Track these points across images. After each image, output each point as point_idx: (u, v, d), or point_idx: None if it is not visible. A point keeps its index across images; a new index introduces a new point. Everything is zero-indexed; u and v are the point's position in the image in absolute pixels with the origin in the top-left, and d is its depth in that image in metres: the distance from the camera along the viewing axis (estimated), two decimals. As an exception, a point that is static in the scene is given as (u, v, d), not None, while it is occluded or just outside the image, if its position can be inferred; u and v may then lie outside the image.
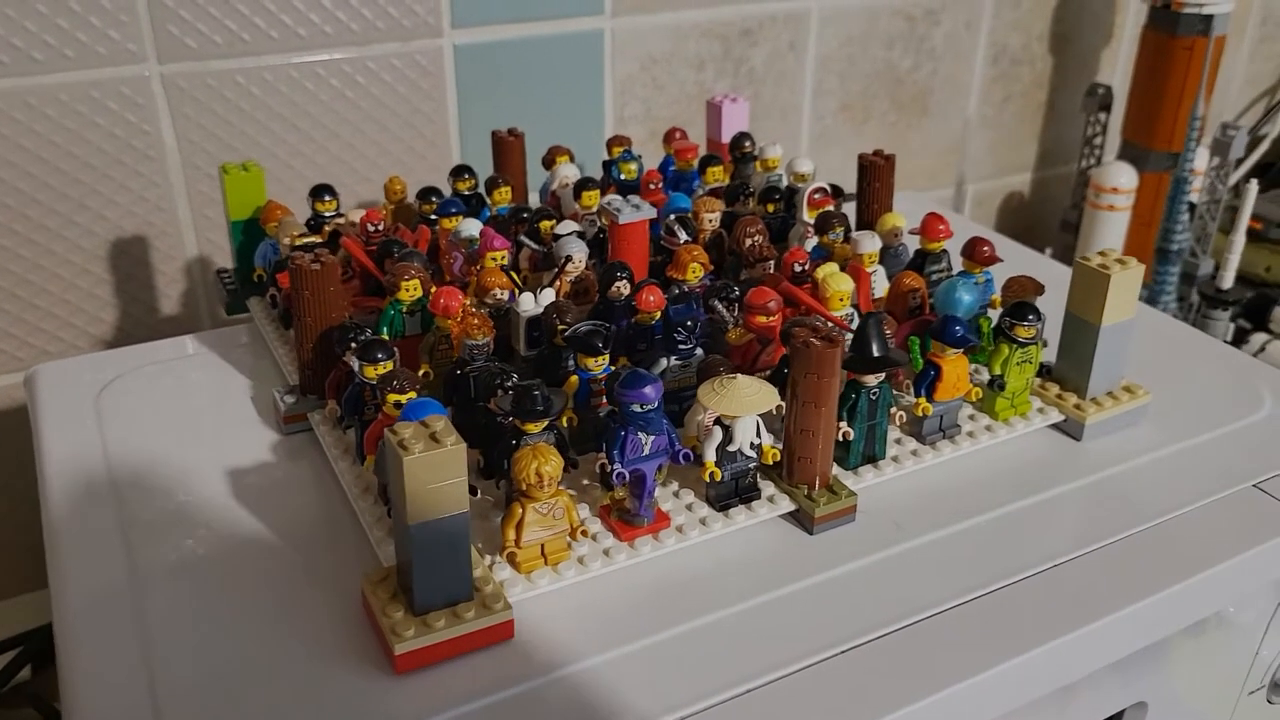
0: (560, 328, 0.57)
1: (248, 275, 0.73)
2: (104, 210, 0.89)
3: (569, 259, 0.64)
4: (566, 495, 0.49)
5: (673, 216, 0.68)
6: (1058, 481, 0.58)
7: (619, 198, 0.66)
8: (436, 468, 0.43)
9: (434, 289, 0.60)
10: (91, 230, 0.89)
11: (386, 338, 0.60)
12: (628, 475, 0.50)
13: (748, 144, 0.84)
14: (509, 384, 0.52)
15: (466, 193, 0.78)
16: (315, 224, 0.73)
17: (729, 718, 0.44)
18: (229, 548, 0.52)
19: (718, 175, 0.79)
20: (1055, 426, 0.62)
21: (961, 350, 0.57)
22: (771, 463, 0.53)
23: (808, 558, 0.52)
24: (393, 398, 0.50)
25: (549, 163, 0.81)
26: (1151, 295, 1.11)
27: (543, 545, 0.49)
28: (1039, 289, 0.63)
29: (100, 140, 0.88)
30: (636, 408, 0.49)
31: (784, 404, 0.53)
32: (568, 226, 0.68)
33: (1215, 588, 0.53)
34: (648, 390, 0.49)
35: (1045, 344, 0.63)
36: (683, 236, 0.67)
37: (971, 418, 0.61)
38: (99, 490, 0.56)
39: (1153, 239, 1.13)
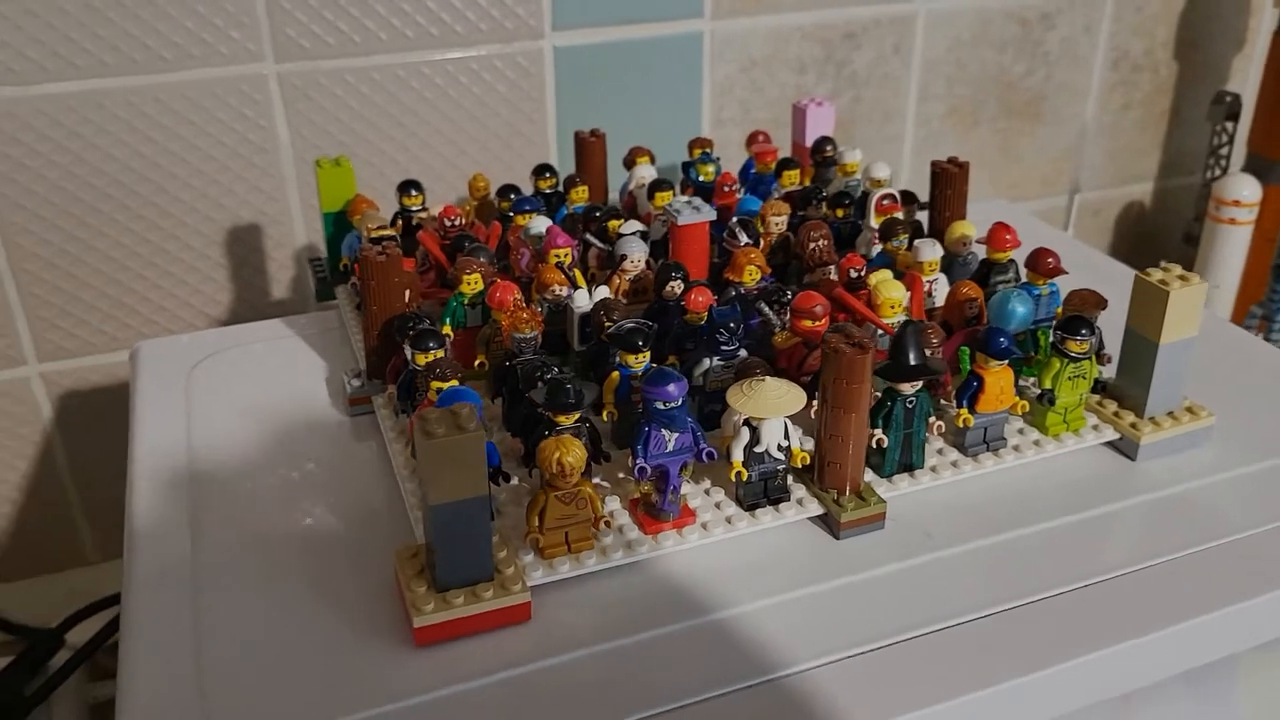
0: (606, 325, 0.58)
1: (336, 264, 0.77)
2: (222, 199, 0.95)
3: (625, 257, 0.66)
4: (590, 486, 0.51)
5: (735, 219, 0.69)
6: (1106, 500, 0.57)
7: (681, 199, 0.68)
8: (456, 452, 0.45)
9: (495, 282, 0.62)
10: (210, 217, 0.96)
11: (449, 328, 0.64)
12: (650, 470, 0.51)
13: (829, 148, 0.84)
14: (547, 376, 0.54)
15: (548, 191, 0.80)
16: (401, 218, 0.77)
17: (736, 709, 0.45)
18: (286, 522, 0.56)
19: (793, 179, 0.80)
20: (1111, 445, 0.61)
21: (1005, 362, 0.56)
22: (800, 466, 0.54)
23: (832, 561, 0.53)
24: (435, 385, 0.53)
25: (629, 163, 0.83)
26: (1269, 314, 1.06)
27: (567, 533, 0.51)
28: (1100, 303, 0.61)
29: (220, 134, 0.94)
30: (660, 405, 0.50)
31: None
32: (632, 226, 0.70)
33: (1262, 619, 0.51)
34: (670, 388, 0.50)
35: (1109, 359, 0.62)
36: (743, 239, 0.68)
37: (1021, 432, 0.60)
38: (176, 461, 0.60)
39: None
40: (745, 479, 0.53)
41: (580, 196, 0.78)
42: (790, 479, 0.55)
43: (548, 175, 0.80)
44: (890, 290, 0.61)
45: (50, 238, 0.91)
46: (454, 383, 0.53)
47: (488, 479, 0.47)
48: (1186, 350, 0.59)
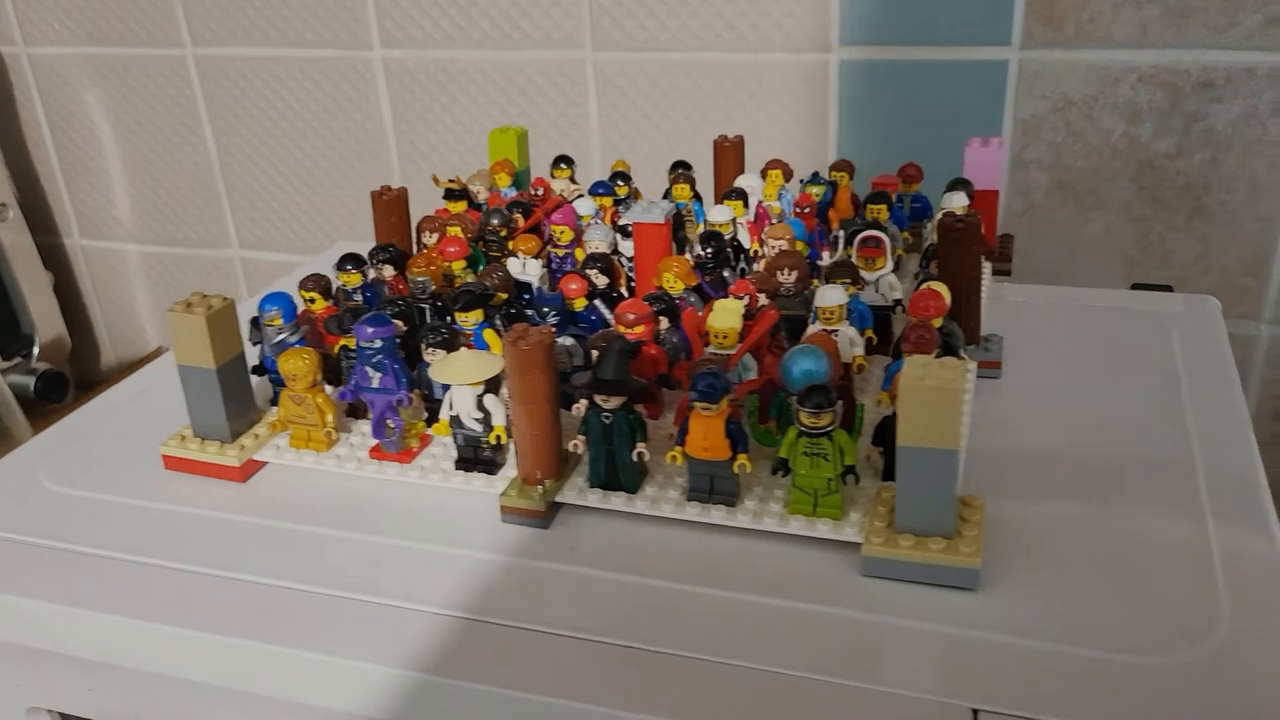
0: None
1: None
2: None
3: (585, 243, 0.71)
4: (321, 395, 0.60)
5: (703, 231, 0.69)
6: (756, 589, 0.50)
7: (649, 200, 0.70)
8: (188, 329, 0.59)
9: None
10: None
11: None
12: (349, 397, 0.59)
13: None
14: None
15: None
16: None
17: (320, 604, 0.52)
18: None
19: (876, 213, 0.74)
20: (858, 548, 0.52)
21: (715, 407, 0.52)
22: (494, 442, 0.57)
23: (470, 534, 0.55)
24: (301, 293, 0.66)
25: (764, 173, 0.84)
26: None
27: (310, 432, 0.61)
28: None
29: (546, 106, 1.13)
30: (361, 342, 0.58)
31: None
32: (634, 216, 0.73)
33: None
34: (367, 329, 0.57)
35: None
36: (697, 249, 0.68)
37: (762, 499, 0.54)
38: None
39: None
40: (444, 434, 0.58)
41: (683, 194, 0.82)
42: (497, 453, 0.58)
43: (676, 170, 0.85)
44: (716, 320, 0.58)
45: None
46: (316, 295, 0.65)
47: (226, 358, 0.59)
48: (944, 465, 0.48)
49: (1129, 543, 0.52)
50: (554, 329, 0.62)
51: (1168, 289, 0.76)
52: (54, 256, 1.44)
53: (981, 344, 0.66)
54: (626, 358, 0.54)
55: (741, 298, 0.62)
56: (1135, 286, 0.77)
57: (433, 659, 0.48)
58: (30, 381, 1.32)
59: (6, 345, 1.33)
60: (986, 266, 0.78)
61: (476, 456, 0.58)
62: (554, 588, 0.52)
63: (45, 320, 1.36)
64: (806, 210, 0.76)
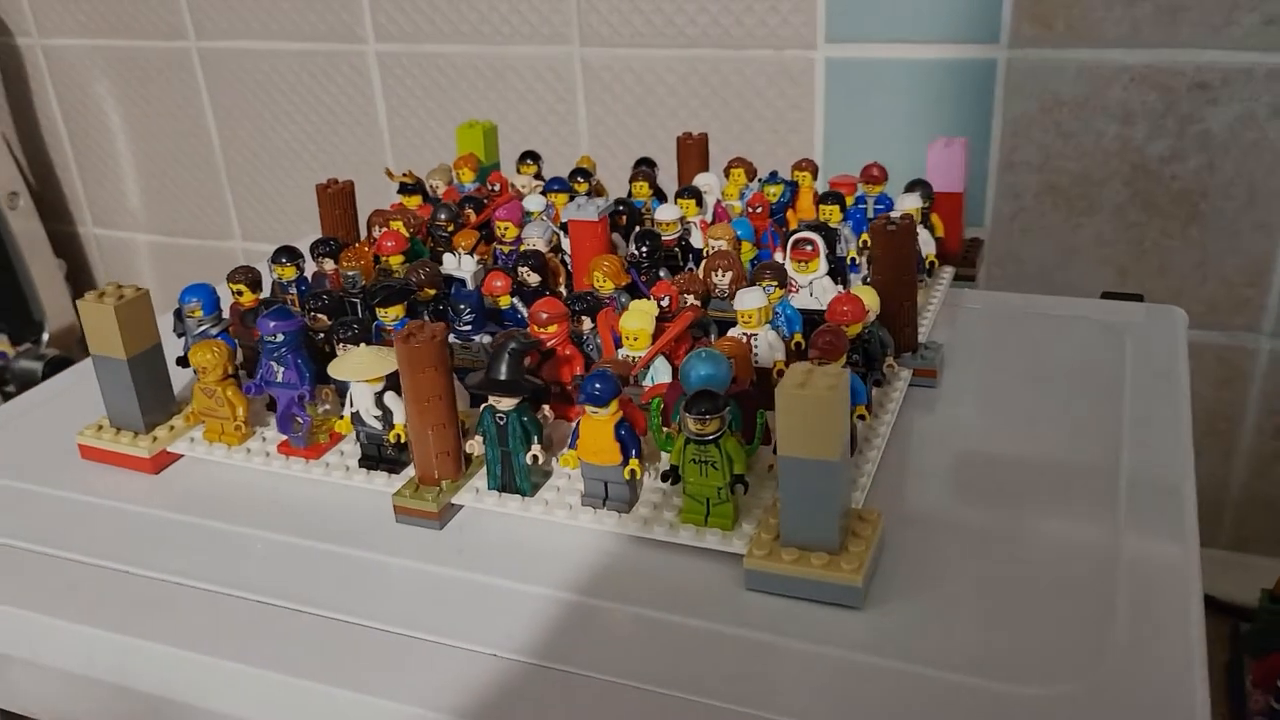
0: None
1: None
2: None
3: (523, 240, 0.69)
4: (232, 388, 0.59)
5: (638, 230, 0.68)
6: (653, 602, 0.48)
7: (587, 198, 0.68)
8: (99, 319, 0.58)
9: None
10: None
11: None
12: (254, 391, 0.58)
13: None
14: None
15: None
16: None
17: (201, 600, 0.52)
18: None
19: (828, 213, 0.72)
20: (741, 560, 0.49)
21: (598, 410, 0.50)
22: (395, 441, 0.56)
23: (370, 533, 0.54)
24: (230, 285, 0.66)
25: (726, 170, 0.82)
26: None
27: (223, 425, 0.61)
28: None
29: (535, 101, 1.12)
30: (265, 337, 0.57)
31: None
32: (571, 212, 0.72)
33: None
34: (270, 324, 0.56)
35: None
36: (630, 248, 0.67)
37: (657, 507, 0.52)
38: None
39: None
40: (345, 432, 0.57)
41: (642, 192, 0.80)
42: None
43: (639, 167, 0.84)
44: (625, 321, 0.57)
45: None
46: (242, 287, 0.65)
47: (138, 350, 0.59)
48: (826, 476, 0.46)
49: (1035, 560, 0.49)
50: (467, 326, 0.61)
51: (1138, 298, 0.72)
52: (70, 245, 1.46)
53: (918, 352, 0.63)
54: (519, 357, 0.53)
55: (661, 299, 0.60)
56: (1105, 295, 0.74)
57: (310, 663, 0.46)
58: (38, 366, 1.34)
59: (16, 331, 1.35)
60: (947, 271, 0.75)
61: (379, 455, 0.57)
62: (440, 592, 0.50)
63: (55, 307, 1.38)
64: (758, 210, 0.74)
